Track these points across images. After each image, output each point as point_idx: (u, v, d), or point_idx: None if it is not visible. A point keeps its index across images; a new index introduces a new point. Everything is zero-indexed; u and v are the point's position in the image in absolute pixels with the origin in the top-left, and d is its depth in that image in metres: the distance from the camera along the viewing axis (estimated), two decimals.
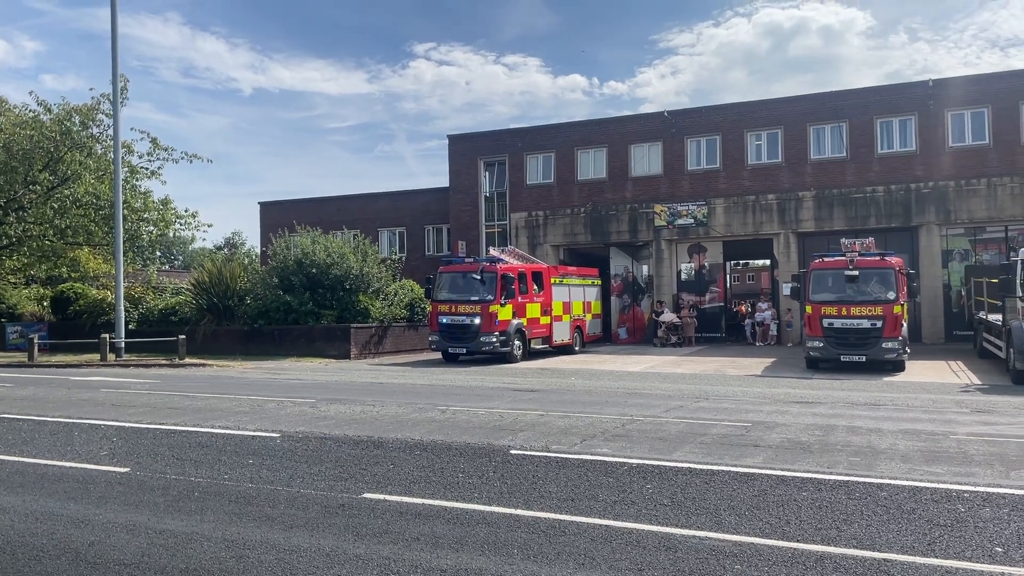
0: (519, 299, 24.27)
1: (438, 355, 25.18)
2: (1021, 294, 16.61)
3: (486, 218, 37.19)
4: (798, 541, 5.92)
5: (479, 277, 23.56)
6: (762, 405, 13.44)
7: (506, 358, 23.67)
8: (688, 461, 8.75)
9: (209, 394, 15.90)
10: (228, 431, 11.06)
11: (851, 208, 29.74)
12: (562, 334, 26.79)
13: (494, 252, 26.93)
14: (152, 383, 18.66)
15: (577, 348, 27.52)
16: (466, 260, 25.29)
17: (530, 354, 25.07)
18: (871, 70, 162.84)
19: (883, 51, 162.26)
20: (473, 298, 23.59)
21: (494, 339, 23.27)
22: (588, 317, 28.91)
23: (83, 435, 10.93)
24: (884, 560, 5.49)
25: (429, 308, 25.87)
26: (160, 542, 6.09)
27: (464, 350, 23.90)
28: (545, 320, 25.82)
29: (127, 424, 11.83)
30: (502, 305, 23.47)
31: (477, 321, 23.34)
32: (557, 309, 26.56)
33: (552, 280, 26.53)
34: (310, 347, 26.86)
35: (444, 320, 23.98)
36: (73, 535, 6.29)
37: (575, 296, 27.98)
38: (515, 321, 23.99)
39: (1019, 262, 17.04)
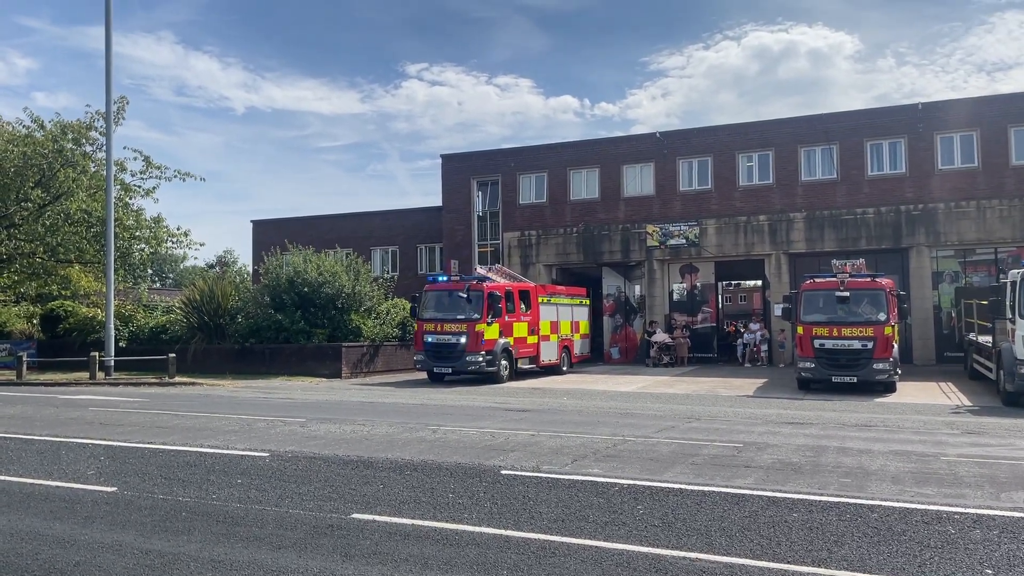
0: (506, 318, 23.97)
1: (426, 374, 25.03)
2: (1011, 316, 16.68)
3: (479, 237, 37.20)
4: (789, 562, 5.90)
5: (465, 295, 23.33)
6: (754, 426, 13.44)
7: (493, 378, 23.38)
8: (679, 482, 8.73)
9: (199, 413, 15.80)
10: (217, 450, 10.99)
11: (842, 229, 29.91)
12: (549, 354, 26.60)
13: (480, 270, 26.80)
14: (141, 402, 18.54)
15: (564, 368, 27.34)
16: (451, 278, 24.82)
17: (517, 374, 24.84)
18: (859, 93, 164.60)
19: (871, 75, 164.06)
20: (459, 317, 23.32)
21: (480, 358, 23.00)
22: (576, 337, 28.77)
23: (70, 454, 10.85)
24: None
25: (415, 327, 25.71)
26: (146, 562, 6.03)
27: (450, 369, 23.54)
28: (532, 339, 25.62)
29: (115, 443, 11.75)
30: (488, 324, 23.17)
31: (463, 340, 23.05)
32: (544, 328, 26.37)
33: (540, 299, 26.33)
34: (301, 366, 26.75)
35: (430, 339, 23.70)
36: (58, 555, 6.22)
37: (563, 315, 27.85)
38: (502, 340, 23.72)
39: (1009, 284, 17.11)
